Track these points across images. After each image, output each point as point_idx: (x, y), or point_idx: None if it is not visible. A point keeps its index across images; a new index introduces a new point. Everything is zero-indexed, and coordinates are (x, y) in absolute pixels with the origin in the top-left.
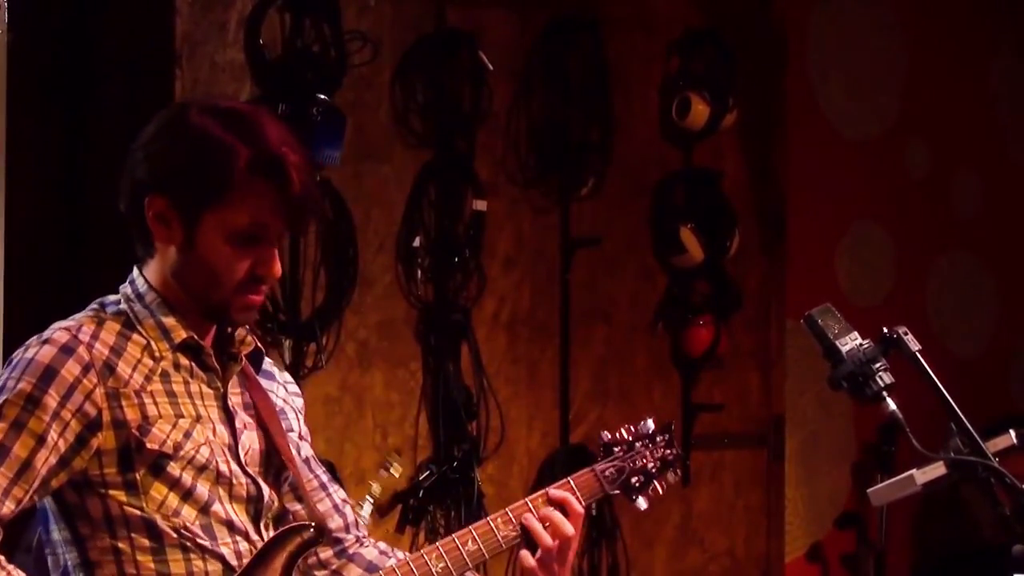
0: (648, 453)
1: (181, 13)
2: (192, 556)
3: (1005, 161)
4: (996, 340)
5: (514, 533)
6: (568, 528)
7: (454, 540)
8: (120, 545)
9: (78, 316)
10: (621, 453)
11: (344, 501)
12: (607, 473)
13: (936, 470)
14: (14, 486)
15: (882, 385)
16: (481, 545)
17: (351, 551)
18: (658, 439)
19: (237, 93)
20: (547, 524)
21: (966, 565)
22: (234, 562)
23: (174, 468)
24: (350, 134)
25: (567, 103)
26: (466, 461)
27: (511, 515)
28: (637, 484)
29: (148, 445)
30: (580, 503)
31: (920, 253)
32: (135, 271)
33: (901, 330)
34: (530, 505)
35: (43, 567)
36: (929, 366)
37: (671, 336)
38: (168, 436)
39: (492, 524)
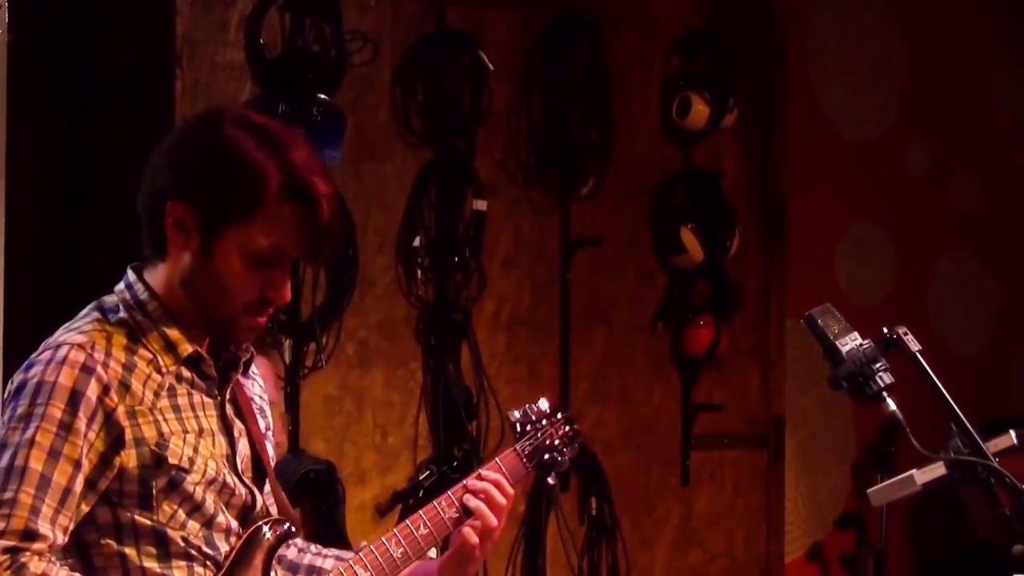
0: (553, 431)
1: (181, 13)
2: (195, 563)
3: (1005, 161)
4: (996, 340)
5: (457, 515)
6: (501, 500)
7: (408, 526)
8: (127, 551)
9: (84, 327)
10: (533, 432)
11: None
12: (526, 451)
13: (936, 470)
14: (59, 515)
15: (882, 385)
16: (432, 528)
17: (278, 554)
18: (558, 416)
19: (237, 93)
20: (483, 498)
21: (965, 565)
22: None
23: (189, 483)
24: (350, 134)
25: (567, 103)
26: (466, 461)
27: (453, 498)
28: (549, 461)
29: (169, 460)
30: (510, 484)
31: (920, 253)
32: (131, 274)
33: (901, 330)
34: (468, 487)
35: None
36: (929, 366)
37: (671, 336)
38: (182, 452)
39: (438, 507)
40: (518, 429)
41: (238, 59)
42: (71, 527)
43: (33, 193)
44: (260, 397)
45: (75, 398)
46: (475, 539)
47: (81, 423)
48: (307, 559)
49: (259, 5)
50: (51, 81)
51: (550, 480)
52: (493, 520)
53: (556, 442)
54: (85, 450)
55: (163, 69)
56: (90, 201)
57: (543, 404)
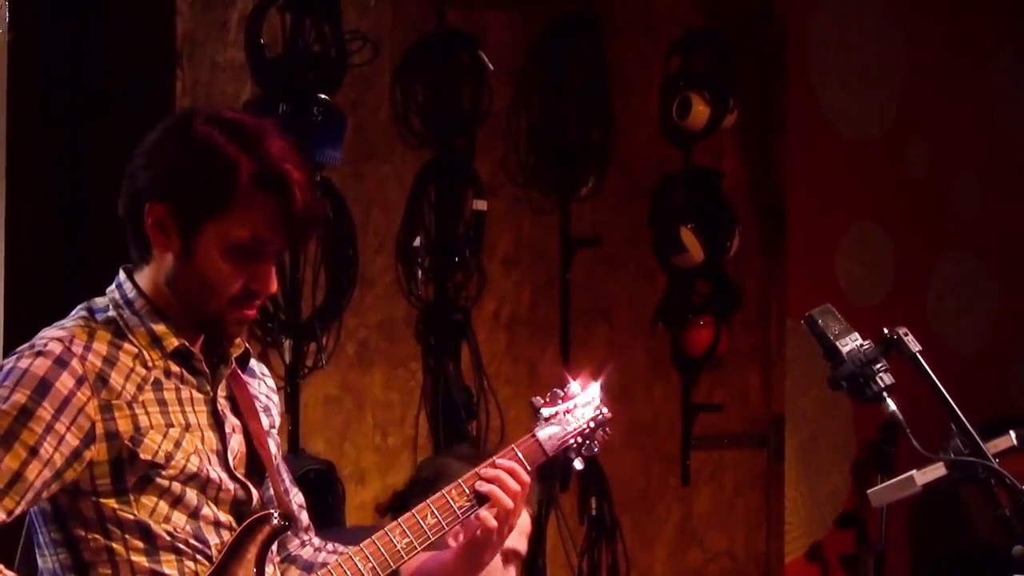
0: (580, 414)
1: (181, 13)
2: (184, 557)
3: (1005, 161)
4: (996, 340)
5: (469, 503)
6: (516, 486)
7: (414, 515)
8: (114, 546)
9: (67, 325)
10: (557, 416)
11: (301, 507)
12: (546, 436)
13: (936, 471)
14: (4, 496)
15: (882, 386)
16: (440, 518)
17: (294, 554)
18: (587, 400)
19: (237, 93)
20: (498, 485)
21: (965, 565)
22: None
23: (164, 478)
24: (350, 134)
25: (567, 103)
26: None
27: (464, 486)
28: (575, 445)
29: (141, 456)
30: (526, 471)
31: (920, 253)
32: (122, 275)
33: (901, 331)
34: (481, 475)
35: (34, 571)
36: (929, 366)
37: (671, 336)
38: (159, 447)
39: (448, 496)
40: (542, 413)
41: (238, 59)
42: (17, 511)
43: (33, 193)
44: (267, 396)
45: (43, 387)
46: (493, 522)
47: (46, 412)
48: (322, 557)
49: (259, 5)
50: (51, 81)
51: (577, 464)
52: (508, 502)
53: (583, 426)
54: (50, 440)
55: (163, 69)
56: (90, 201)
57: (576, 387)
